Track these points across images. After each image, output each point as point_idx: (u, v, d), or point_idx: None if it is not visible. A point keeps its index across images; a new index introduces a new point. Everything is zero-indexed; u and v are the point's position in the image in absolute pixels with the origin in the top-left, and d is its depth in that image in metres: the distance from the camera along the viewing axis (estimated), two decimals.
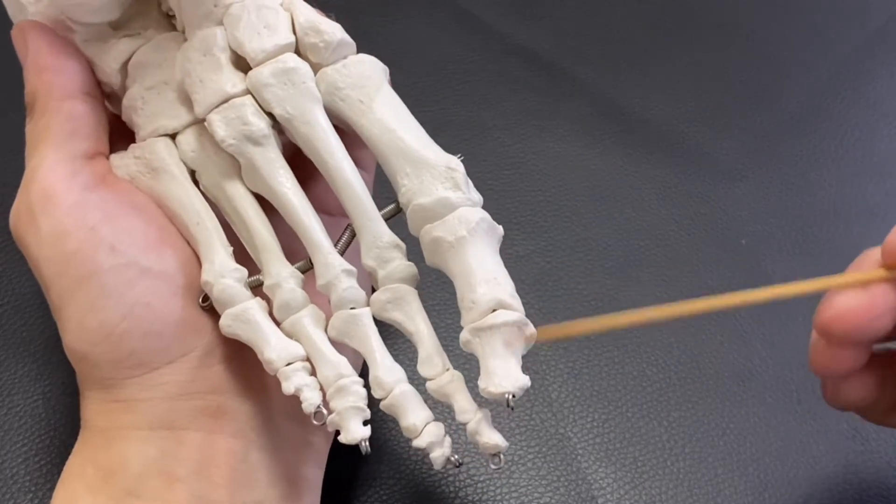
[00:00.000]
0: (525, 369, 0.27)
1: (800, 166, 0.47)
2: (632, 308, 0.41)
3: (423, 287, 0.29)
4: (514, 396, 0.26)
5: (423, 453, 0.28)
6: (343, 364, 0.28)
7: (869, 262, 0.28)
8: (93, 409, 0.30)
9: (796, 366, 0.39)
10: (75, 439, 0.31)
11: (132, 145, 0.32)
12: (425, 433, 0.28)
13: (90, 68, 0.32)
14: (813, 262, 0.43)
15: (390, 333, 0.30)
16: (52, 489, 0.30)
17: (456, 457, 0.28)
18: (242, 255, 0.30)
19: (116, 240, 0.29)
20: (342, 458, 0.35)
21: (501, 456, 0.28)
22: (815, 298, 0.43)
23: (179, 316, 0.29)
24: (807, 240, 0.44)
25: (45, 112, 0.31)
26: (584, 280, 0.42)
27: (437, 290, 0.30)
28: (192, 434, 0.29)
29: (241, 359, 0.30)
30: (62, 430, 0.36)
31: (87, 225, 0.29)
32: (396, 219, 0.29)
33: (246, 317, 0.29)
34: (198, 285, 0.30)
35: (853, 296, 0.27)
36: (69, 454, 0.30)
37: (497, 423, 0.37)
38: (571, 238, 0.43)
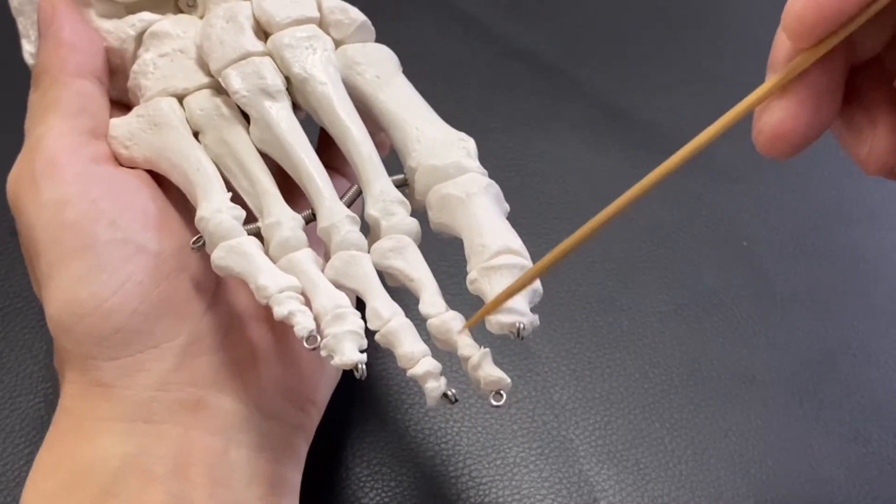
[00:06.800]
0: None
1: (801, 167, 0.47)
2: (632, 311, 0.41)
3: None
4: (524, 327, 0.25)
5: (419, 388, 0.26)
6: (341, 296, 0.27)
7: (782, 55, 0.24)
8: (71, 393, 0.29)
9: (798, 367, 0.39)
10: None
11: (135, 108, 0.32)
12: (422, 362, 0.26)
13: (106, 55, 0.32)
14: (814, 263, 0.43)
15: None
16: None
17: (453, 391, 0.26)
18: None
19: (117, 215, 0.29)
20: (343, 460, 0.35)
21: (503, 393, 0.26)
22: (815, 307, 0.43)
23: (168, 298, 0.29)
24: (808, 241, 0.44)
25: (55, 85, 0.31)
26: (585, 282, 0.42)
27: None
28: (171, 429, 0.29)
29: (225, 353, 0.30)
30: None
31: (90, 197, 0.29)
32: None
33: (241, 249, 0.28)
34: (191, 270, 0.30)
35: (776, 109, 0.24)
36: None
37: (498, 424, 0.37)
38: None
